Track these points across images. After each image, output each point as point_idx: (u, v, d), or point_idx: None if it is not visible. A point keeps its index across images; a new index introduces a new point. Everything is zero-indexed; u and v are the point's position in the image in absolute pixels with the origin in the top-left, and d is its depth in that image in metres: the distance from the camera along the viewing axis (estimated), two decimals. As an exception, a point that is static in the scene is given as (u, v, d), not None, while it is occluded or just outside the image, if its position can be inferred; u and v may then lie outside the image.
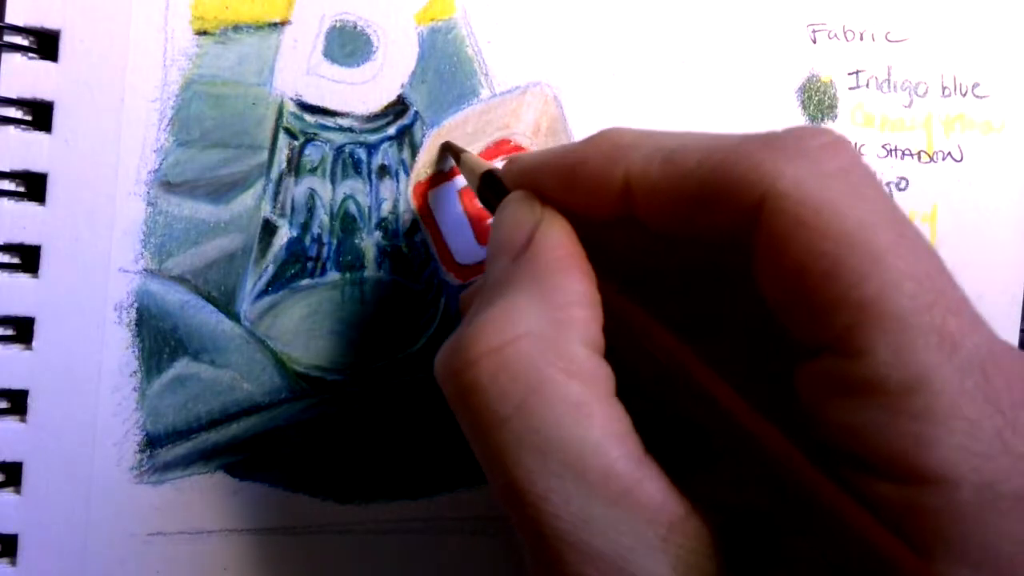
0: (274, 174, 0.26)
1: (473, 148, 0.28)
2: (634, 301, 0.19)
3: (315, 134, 0.27)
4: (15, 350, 0.25)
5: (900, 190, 0.32)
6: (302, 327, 0.27)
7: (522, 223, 0.20)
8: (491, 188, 0.23)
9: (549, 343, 0.17)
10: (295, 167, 0.27)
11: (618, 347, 0.18)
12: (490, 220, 0.28)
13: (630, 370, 0.18)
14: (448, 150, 0.27)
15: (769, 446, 0.16)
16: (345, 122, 0.27)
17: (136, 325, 0.26)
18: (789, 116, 0.31)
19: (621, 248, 0.20)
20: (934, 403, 0.15)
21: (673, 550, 0.16)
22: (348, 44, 0.27)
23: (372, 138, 0.27)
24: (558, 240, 0.19)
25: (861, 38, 0.31)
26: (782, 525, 0.17)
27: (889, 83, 0.31)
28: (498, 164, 0.25)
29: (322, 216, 0.27)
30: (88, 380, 0.25)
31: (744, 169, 0.17)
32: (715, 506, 0.17)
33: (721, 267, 0.20)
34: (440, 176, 0.28)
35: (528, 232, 0.19)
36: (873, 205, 0.16)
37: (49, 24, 0.24)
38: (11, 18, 0.24)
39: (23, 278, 0.25)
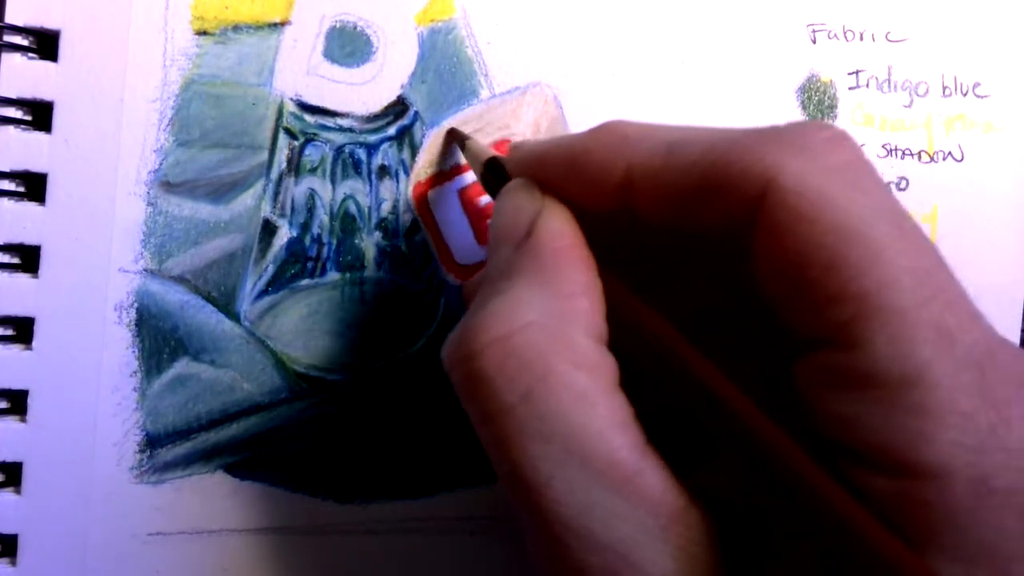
0: (274, 174, 0.27)
1: (473, 148, 0.28)
2: (634, 292, 0.19)
3: (315, 134, 0.27)
4: (15, 350, 0.25)
5: (900, 190, 0.32)
6: (302, 327, 0.27)
7: (523, 211, 0.20)
8: (494, 175, 0.23)
9: (554, 333, 0.17)
10: (295, 167, 0.27)
11: (620, 338, 0.18)
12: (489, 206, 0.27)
13: (632, 361, 0.18)
14: (453, 137, 0.27)
15: (765, 438, 0.16)
16: (345, 122, 0.27)
17: (136, 325, 0.26)
18: (789, 116, 0.31)
19: (622, 239, 0.20)
20: (930, 397, 0.15)
21: (673, 540, 0.16)
22: (348, 44, 0.27)
23: (372, 138, 0.27)
24: (560, 229, 0.19)
25: (861, 38, 0.31)
26: (779, 519, 0.17)
27: (889, 83, 0.31)
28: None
29: (322, 216, 0.27)
30: (88, 380, 0.25)
31: (746, 162, 0.17)
32: (714, 499, 0.17)
33: (720, 261, 0.20)
34: (440, 176, 0.28)
35: (529, 220, 0.19)
36: (874, 200, 0.16)
37: (49, 24, 0.24)
38: (11, 18, 0.24)
39: (23, 278, 0.25)
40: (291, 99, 0.26)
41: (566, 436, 0.16)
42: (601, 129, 0.20)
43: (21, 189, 0.25)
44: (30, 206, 0.25)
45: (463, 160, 0.28)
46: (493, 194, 0.23)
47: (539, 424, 0.16)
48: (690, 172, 0.18)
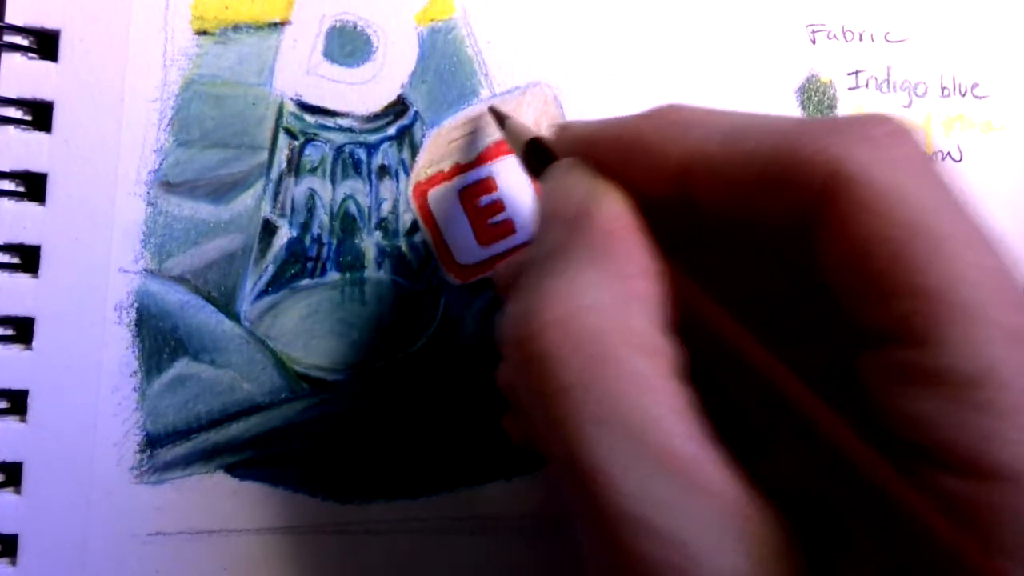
0: (274, 174, 0.27)
1: (473, 148, 0.28)
2: (691, 279, 0.18)
3: (315, 134, 0.27)
4: (15, 350, 0.25)
5: (900, 190, 0.32)
6: (302, 327, 0.27)
7: (577, 191, 0.19)
8: (537, 156, 0.22)
9: (613, 315, 0.17)
10: (295, 167, 0.27)
11: (682, 326, 0.18)
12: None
13: (695, 350, 0.18)
14: (492, 114, 0.27)
15: (830, 433, 0.15)
16: (345, 122, 0.27)
17: (136, 325, 0.26)
18: (789, 116, 0.31)
19: (677, 223, 0.20)
20: (1000, 397, 0.15)
21: (734, 532, 0.15)
22: (348, 44, 0.27)
23: (372, 138, 0.27)
24: (618, 211, 0.19)
25: (860, 38, 0.31)
26: (844, 513, 0.17)
27: (888, 83, 0.32)
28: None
29: (322, 216, 0.27)
30: (88, 380, 0.25)
31: (810, 152, 0.16)
32: (779, 493, 0.16)
33: (779, 249, 0.19)
34: (440, 176, 0.28)
35: (584, 200, 0.19)
36: (939, 194, 0.16)
37: (49, 24, 0.24)
38: (11, 18, 0.24)
39: (23, 278, 0.25)
40: (291, 99, 0.26)
41: (624, 421, 0.16)
42: (655, 113, 0.19)
43: (21, 189, 0.25)
44: (30, 206, 0.25)
45: (463, 159, 0.28)
46: (534, 175, 0.22)
47: (596, 407, 0.16)
48: (750, 161, 0.17)
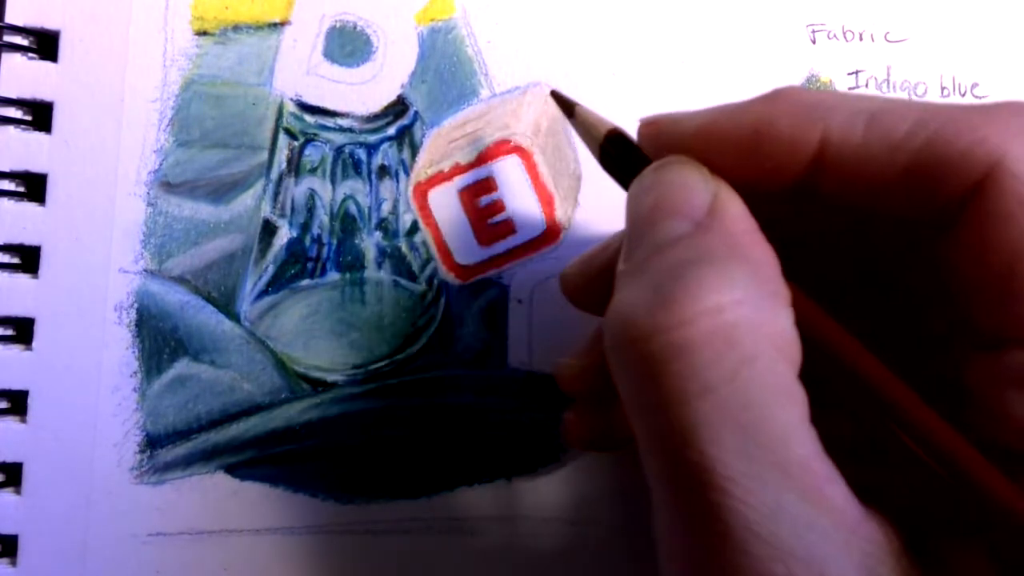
0: (274, 174, 0.27)
1: (473, 148, 0.28)
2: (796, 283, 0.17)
3: (315, 134, 0.27)
4: (15, 350, 0.25)
5: (899, 190, 0.32)
6: (302, 327, 0.27)
7: (696, 188, 0.17)
8: (620, 150, 0.21)
9: (765, 314, 0.15)
10: (295, 167, 0.27)
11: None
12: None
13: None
14: (556, 100, 0.24)
15: (941, 441, 0.15)
16: (345, 122, 0.27)
17: (136, 325, 0.26)
18: (789, 116, 0.31)
19: (779, 222, 0.18)
20: None
21: (856, 554, 0.14)
22: (348, 44, 0.27)
23: (372, 138, 0.27)
24: (743, 213, 0.17)
25: (860, 38, 0.31)
26: (943, 522, 0.16)
27: (888, 83, 0.31)
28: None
29: (322, 216, 0.27)
30: (88, 380, 0.25)
31: (967, 143, 0.15)
32: (883, 506, 0.16)
33: (883, 242, 0.18)
34: (440, 176, 0.28)
35: (707, 198, 0.17)
36: None
37: (49, 24, 0.24)
38: (11, 18, 0.24)
39: (23, 278, 0.25)
40: (291, 99, 0.26)
41: (767, 431, 0.14)
42: (776, 98, 0.17)
43: (21, 189, 0.25)
44: (30, 206, 0.25)
45: (463, 159, 0.28)
46: (612, 170, 0.21)
47: (739, 412, 0.15)
48: (900, 148, 0.16)
